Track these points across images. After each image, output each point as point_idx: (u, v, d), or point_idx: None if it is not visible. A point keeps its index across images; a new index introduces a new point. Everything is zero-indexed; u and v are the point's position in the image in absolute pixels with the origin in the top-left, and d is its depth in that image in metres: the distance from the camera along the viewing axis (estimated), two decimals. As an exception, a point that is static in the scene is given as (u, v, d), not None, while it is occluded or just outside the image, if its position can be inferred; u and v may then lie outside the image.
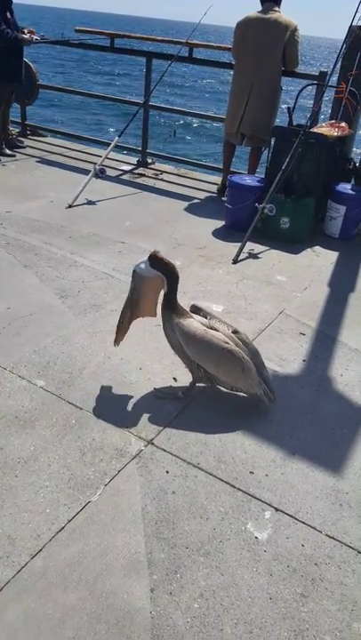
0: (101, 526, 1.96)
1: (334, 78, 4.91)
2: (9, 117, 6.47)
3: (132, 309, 2.60)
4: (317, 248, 4.45)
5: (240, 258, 4.09)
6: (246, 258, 4.16)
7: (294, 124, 4.91)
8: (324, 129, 4.68)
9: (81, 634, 1.62)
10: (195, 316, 2.56)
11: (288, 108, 4.91)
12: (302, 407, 2.65)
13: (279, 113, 5.27)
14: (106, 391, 2.61)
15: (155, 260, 2.44)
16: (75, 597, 1.72)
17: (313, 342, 3.17)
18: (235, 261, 4.05)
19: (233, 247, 4.25)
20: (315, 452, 2.39)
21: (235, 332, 2.57)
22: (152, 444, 2.34)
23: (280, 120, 5.35)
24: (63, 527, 1.92)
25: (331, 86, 4.88)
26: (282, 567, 1.89)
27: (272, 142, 4.83)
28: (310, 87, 5.12)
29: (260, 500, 2.13)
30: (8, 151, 6.24)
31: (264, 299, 3.59)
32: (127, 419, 2.46)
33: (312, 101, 5.23)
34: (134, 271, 2.50)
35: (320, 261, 4.23)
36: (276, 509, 2.10)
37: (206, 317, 2.60)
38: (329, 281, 3.92)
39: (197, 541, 1.94)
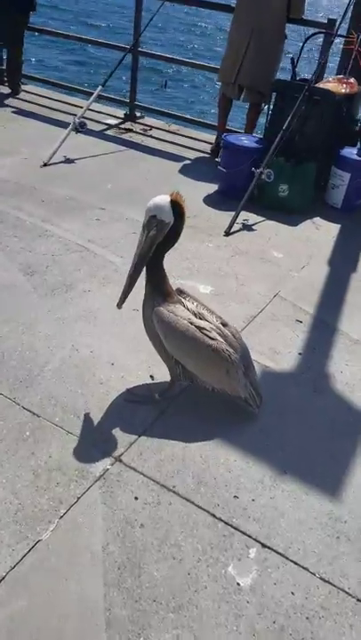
0: (52, 574, 1.62)
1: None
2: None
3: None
4: (318, 220, 4.01)
5: (233, 229, 3.66)
6: (240, 229, 3.73)
7: (298, 77, 4.37)
8: (331, 84, 4.16)
9: None
10: (183, 300, 2.17)
11: (292, 59, 4.37)
12: (296, 411, 2.30)
13: (282, 65, 4.71)
14: (70, 393, 2.24)
15: (177, 204, 1.95)
16: (12, 671, 1.40)
17: (310, 331, 2.80)
18: (227, 233, 3.62)
19: (226, 216, 3.81)
20: (309, 468, 2.06)
21: (223, 324, 2.20)
22: (120, 461, 1.99)
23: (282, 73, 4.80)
24: (3, 577, 1.59)
25: (340, 36, 4.32)
26: (267, 624, 1.58)
27: (273, 98, 4.30)
28: (317, 36, 4.54)
29: (245, 534, 1.80)
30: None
31: (258, 278, 3.19)
32: (93, 429, 2.10)
33: (318, 53, 4.68)
34: (154, 216, 1.94)
35: (320, 235, 3.81)
36: (263, 545, 1.78)
37: (193, 303, 2.21)
38: (329, 258, 3.52)
39: (168, 592, 1.62)
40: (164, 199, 1.94)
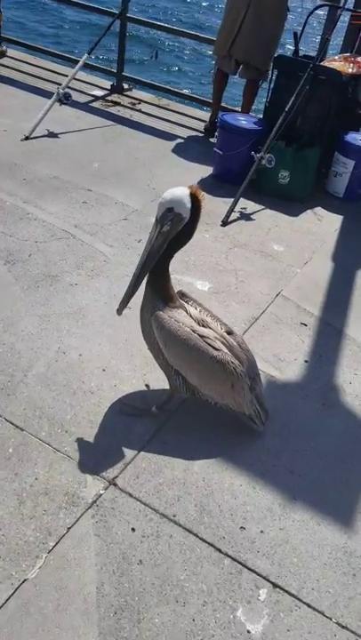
0: (40, 621, 1.43)
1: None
2: None
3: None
4: (319, 210, 3.80)
5: (230, 219, 3.43)
6: (238, 219, 3.49)
7: (300, 54, 4.09)
8: (337, 63, 3.91)
9: None
10: (185, 305, 1.95)
11: (295, 34, 4.08)
12: (305, 429, 2.13)
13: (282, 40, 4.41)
14: (57, 404, 2.02)
15: (196, 198, 1.74)
16: None
17: (316, 336, 2.62)
18: (224, 223, 3.39)
19: (222, 204, 3.57)
20: (320, 494, 1.89)
21: (229, 332, 1.99)
22: (114, 484, 1.78)
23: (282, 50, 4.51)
24: (-16, 630, 1.39)
25: (347, 9, 4.05)
26: None
27: (273, 75, 4.02)
28: (322, 10, 4.26)
29: (254, 572, 1.63)
30: None
31: (258, 275, 2.98)
32: (83, 446, 1.89)
33: (322, 27, 4.42)
34: (170, 209, 1.72)
35: (322, 227, 3.61)
36: (274, 585, 1.61)
37: (196, 309, 2.00)
38: (333, 254, 3.32)
39: (171, 641, 1.44)
40: (183, 191, 1.73)
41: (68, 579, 1.53)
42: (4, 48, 5.66)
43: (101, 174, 3.75)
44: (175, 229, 1.76)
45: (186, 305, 1.97)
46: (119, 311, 1.85)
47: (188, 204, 1.73)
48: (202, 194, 1.75)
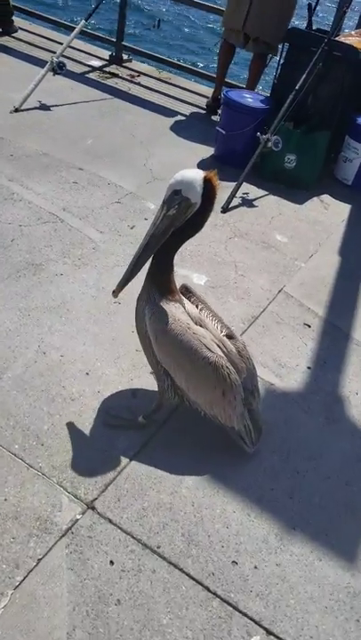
0: None
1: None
2: None
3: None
4: (326, 197, 3.56)
5: (231, 205, 3.19)
6: (239, 205, 3.25)
7: (313, 27, 3.80)
8: (354, 39, 3.62)
9: None
10: (185, 301, 1.76)
11: (309, 5, 3.78)
12: (306, 446, 1.94)
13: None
14: (33, 412, 1.82)
15: (211, 185, 1.57)
16: None
17: (320, 339, 2.42)
18: (225, 209, 3.15)
19: (223, 187, 3.22)
20: (322, 523, 1.71)
21: (229, 336, 1.78)
22: (93, 508, 1.59)
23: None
24: None
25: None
26: None
27: (284, 50, 3.73)
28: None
29: (246, 615, 1.45)
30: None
31: (259, 268, 2.76)
32: (60, 462, 1.69)
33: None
34: (178, 191, 1.54)
35: (329, 217, 3.37)
36: (268, 632, 1.44)
37: (197, 306, 1.80)
38: (340, 247, 3.10)
39: None
40: (196, 174, 1.54)
41: (36, 621, 1.35)
42: (16, 28, 5.22)
43: (95, 152, 3.49)
44: (182, 215, 1.56)
45: (185, 301, 1.76)
46: (115, 293, 1.65)
47: (199, 189, 1.53)
48: (218, 182, 1.56)
